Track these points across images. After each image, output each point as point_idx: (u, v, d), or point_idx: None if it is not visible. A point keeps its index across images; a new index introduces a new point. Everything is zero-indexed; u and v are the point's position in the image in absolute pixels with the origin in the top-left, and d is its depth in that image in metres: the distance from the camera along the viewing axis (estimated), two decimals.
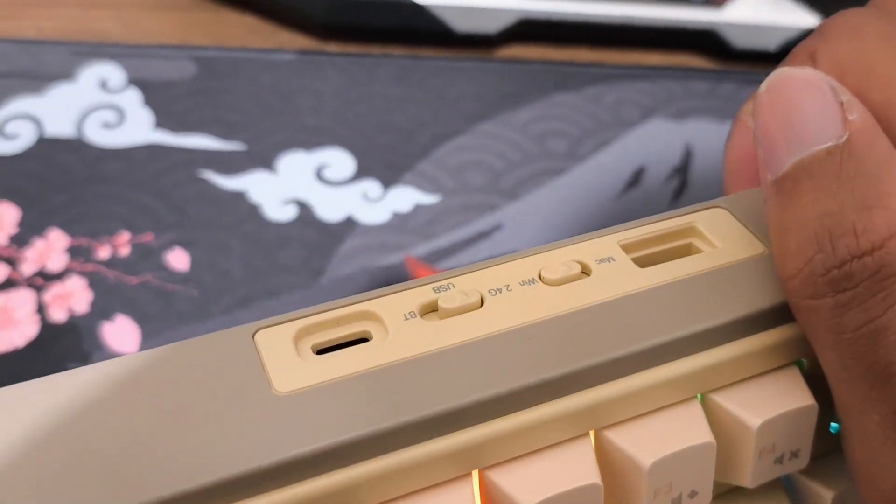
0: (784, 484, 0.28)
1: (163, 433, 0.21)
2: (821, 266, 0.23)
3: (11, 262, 0.43)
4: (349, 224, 0.45)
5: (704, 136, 0.50)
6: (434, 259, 0.44)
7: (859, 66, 0.26)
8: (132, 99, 0.51)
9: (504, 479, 0.23)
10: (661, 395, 0.24)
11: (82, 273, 0.43)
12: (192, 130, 0.50)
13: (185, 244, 0.44)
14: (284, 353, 0.23)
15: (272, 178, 0.47)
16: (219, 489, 0.20)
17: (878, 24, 0.26)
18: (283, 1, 0.56)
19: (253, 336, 0.23)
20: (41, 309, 0.41)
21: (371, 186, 0.47)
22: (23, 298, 0.42)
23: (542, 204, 0.46)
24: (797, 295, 0.24)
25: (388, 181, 0.47)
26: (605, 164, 0.48)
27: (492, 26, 0.54)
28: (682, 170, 0.48)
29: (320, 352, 0.23)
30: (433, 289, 0.24)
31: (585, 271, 0.25)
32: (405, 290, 0.24)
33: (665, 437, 0.24)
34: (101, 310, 0.41)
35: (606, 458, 0.24)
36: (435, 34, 0.55)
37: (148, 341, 0.40)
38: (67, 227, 0.45)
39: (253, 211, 0.46)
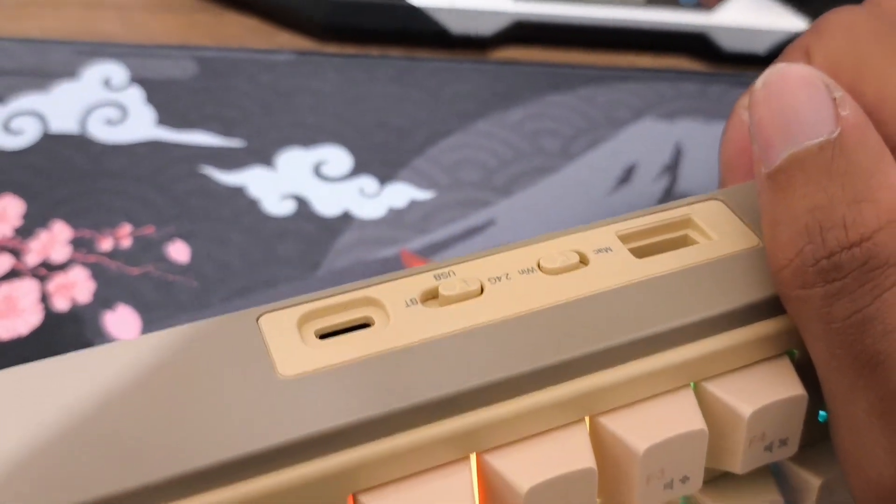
0: (773, 470, 0.28)
1: (168, 414, 0.21)
2: (811, 257, 0.23)
3: (16, 252, 0.43)
4: (346, 219, 0.45)
5: (694, 135, 0.50)
6: (428, 253, 0.44)
7: (852, 63, 0.26)
8: (135, 97, 0.51)
9: (501, 462, 0.23)
10: (656, 382, 0.24)
11: (85, 264, 0.43)
12: (192, 127, 0.50)
13: (185, 237, 0.44)
14: (288, 338, 0.23)
15: (271, 173, 0.47)
16: (223, 470, 0.20)
17: (872, 22, 0.26)
18: (282, 3, 0.56)
19: (257, 320, 0.23)
20: (45, 298, 0.41)
21: (368, 182, 0.47)
22: (27, 288, 0.42)
23: (534, 200, 0.46)
24: (787, 285, 0.24)
25: (384, 177, 0.47)
26: (596, 162, 0.48)
27: (487, 28, 0.54)
28: (672, 168, 0.48)
29: (323, 336, 0.23)
30: (434, 276, 0.24)
31: (583, 261, 0.25)
32: (407, 276, 0.24)
33: (659, 423, 0.24)
34: (103, 299, 0.41)
35: (601, 443, 0.24)
36: (431, 36, 0.55)
37: (148, 330, 0.40)
38: (71, 220, 0.44)
39: (252, 205, 0.46)
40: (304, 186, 0.47)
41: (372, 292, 0.24)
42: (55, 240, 0.43)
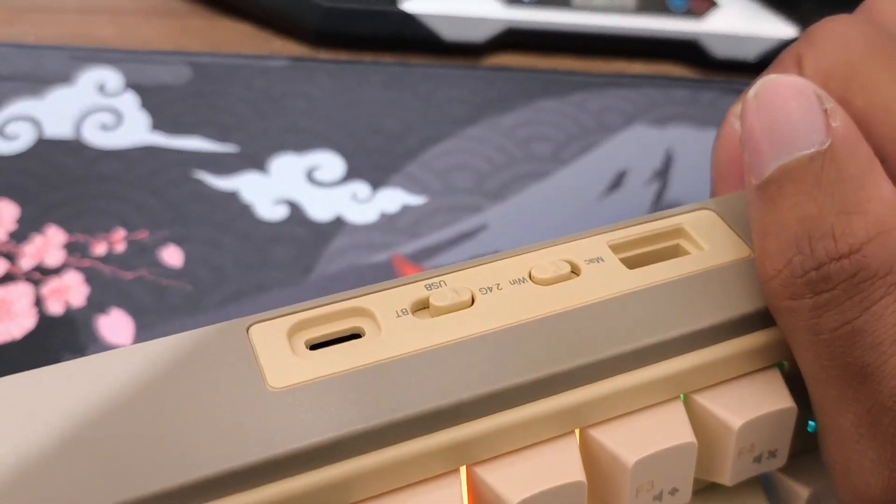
0: (761, 481, 0.28)
1: (157, 427, 0.21)
2: (800, 268, 0.23)
3: (10, 257, 0.43)
4: (338, 223, 0.45)
5: (685, 141, 0.49)
6: (420, 258, 0.43)
7: (843, 72, 0.26)
8: (129, 102, 0.51)
9: (491, 475, 0.22)
10: (646, 395, 0.24)
11: (79, 268, 0.42)
12: (186, 133, 0.49)
13: (178, 241, 0.44)
14: (278, 349, 0.22)
15: (264, 178, 0.47)
16: (211, 484, 0.20)
17: (864, 32, 0.26)
18: (276, 9, 0.55)
19: (247, 330, 0.23)
20: (39, 302, 0.41)
21: (360, 188, 0.47)
22: (21, 292, 0.41)
23: (526, 205, 0.46)
24: (776, 296, 0.23)
25: (376, 183, 0.47)
26: (588, 168, 0.48)
27: (479, 35, 0.54)
28: (663, 174, 0.47)
29: (314, 347, 0.23)
30: (425, 286, 0.24)
31: (575, 271, 0.25)
32: (397, 286, 0.24)
33: (648, 436, 0.23)
34: (97, 303, 0.41)
35: (591, 456, 0.23)
36: (424, 42, 0.54)
37: (142, 334, 0.40)
38: (65, 224, 0.44)
39: (245, 210, 0.45)
40: (297, 191, 0.46)
41: (362, 302, 0.24)
42: (49, 244, 0.43)
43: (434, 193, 0.46)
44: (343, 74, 0.53)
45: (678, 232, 0.26)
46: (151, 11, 0.57)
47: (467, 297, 0.24)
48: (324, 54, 0.55)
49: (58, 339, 0.40)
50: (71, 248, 0.43)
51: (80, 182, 0.46)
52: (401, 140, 0.49)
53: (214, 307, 0.41)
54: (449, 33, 0.54)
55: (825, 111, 0.23)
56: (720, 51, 0.54)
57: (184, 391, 0.21)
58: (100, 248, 0.43)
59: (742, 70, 0.54)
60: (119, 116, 0.50)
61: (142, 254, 0.43)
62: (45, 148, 0.48)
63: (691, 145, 0.49)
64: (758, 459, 0.25)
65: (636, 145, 0.49)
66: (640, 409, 0.24)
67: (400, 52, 0.55)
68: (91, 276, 0.42)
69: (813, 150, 0.23)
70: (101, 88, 0.52)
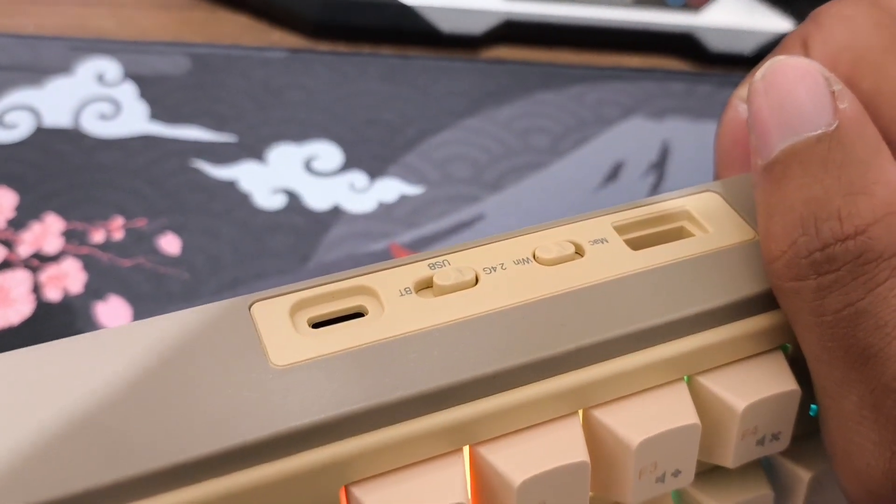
0: (763, 464, 0.27)
1: (158, 404, 0.20)
2: (804, 248, 0.22)
3: (9, 244, 0.42)
4: (336, 213, 0.44)
5: (681, 134, 0.49)
6: (418, 246, 0.43)
7: (851, 54, 0.25)
8: (128, 92, 0.51)
9: (494, 455, 0.22)
10: (649, 376, 0.23)
11: (77, 255, 0.42)
12: (185, 122, 0.49)
13: (176, 229, 0.43)
14: (281, 326, 0.22)
15: (262, 168, 0.47)
16: (214, 461, 0.19)
17: (871, 14, 0.26)
18: (275, 0, 0.55)
19: (249, 308, 0.22)
20: (37, 289, 0.40)
21: (358, 177, 0.46)
22: (19, 279, 0.41)
23: (523, 196, 0.46)
24: (780, 277, 0.23)
25: (374, 173, 0.47)
26: (585, 160, 0.48)
27: (477, 27, 0.54)
28: (659, 166, 0.47)
29: (316, 325, 0.23)
30: (428, 265, 0.24)
31: (579, 252, 0.24)
32: (401, 265, 0.24)
33: (652, 417, 0.23)
34: (95, 290, 0.40)
35: (594, 436, 0.23)
36: (422, 34, 0.54)
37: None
38: (63, 212, 0.44)
39: (243, 199, 0.45)
40: (295, 181, 0.46)
41: (366, 280, 0.23)
42: (48, 231, 0.43)
43: (432, 183, 0.46)
44: (341, 66, 0.53)
45: (682, 214, 0.26)
46: (151, 3, 0.57)
47: (471, 277, 0.23)
48: (322, 46, 0.54)
49: (55, 326, 0.39)
50: (69, 235, 0.43)
51: (78, 170, 0.46)
52: (399, 131, 0.49)
53: (212, 295, 0.41)
54: (447, 25, 0.54)
55: (833, 93, 0.23)
56: (717, 44, 0.53)
57: (186, 368, 0.21)
58: (98, 236, 0.43)
59: (738, 63, 0.54)
60: (118, 106, 0.50)
61: (140, 241, 0.43)
62: (44, 137, 0.48)
63: (687, 138, 0.49)
64: (761, 442, 0.24)
65: (633, 138, 0.49)
66: (643, 390, 0.23)
67: (398, 44, 0.55)
68: (89, 264, 0.42)
69: (820, 131, 0.22)
70: (100, 78, 0.51)
